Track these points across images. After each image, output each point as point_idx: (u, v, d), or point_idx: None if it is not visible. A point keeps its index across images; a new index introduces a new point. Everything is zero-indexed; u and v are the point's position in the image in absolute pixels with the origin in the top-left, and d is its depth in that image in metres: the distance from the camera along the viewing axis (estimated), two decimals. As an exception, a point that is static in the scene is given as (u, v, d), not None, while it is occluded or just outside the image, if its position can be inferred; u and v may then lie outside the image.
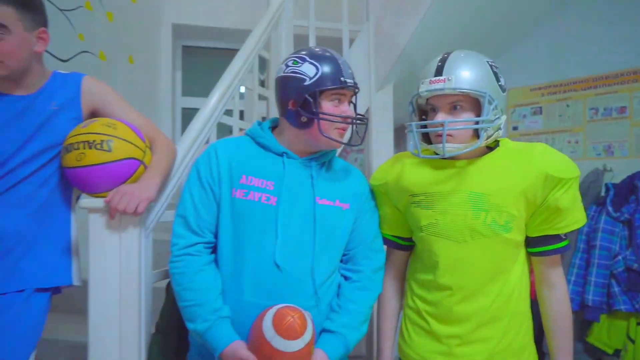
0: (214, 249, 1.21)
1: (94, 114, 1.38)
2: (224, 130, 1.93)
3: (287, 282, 1.14)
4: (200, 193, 1.19)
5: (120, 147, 1.26)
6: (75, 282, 1.37)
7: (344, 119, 1.19)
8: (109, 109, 1.38)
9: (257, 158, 1.22)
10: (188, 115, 3.99)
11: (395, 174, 1.28)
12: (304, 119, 1.17)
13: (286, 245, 1.15)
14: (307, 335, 1.03)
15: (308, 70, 1.16)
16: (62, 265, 1.34)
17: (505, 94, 1.19)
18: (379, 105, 2.40)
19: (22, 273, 1.28)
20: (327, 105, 1.17)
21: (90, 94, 1.37)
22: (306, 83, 1.16)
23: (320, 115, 1.16)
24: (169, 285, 1.44)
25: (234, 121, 2.00)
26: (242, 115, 2.24)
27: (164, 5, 3.62)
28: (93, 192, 1.29)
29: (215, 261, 1.20)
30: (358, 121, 1.23)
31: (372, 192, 1.34)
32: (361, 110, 2.36)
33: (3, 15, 1.19)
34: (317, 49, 1.22)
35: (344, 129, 1.21)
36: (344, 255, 1.27)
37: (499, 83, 1.15)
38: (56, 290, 1.36)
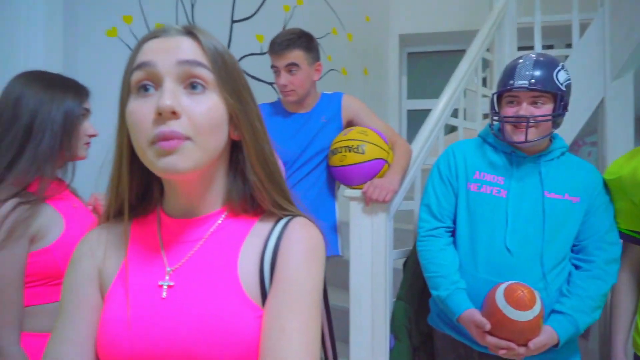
0: (453, 233, 1.43)
1: (350, 123, 1.75)
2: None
3: (516, 264, 1.27)
4: (441, 186, 1.43)
5: (371, 150, 1.60)
6: (340, 253, 1.77)
7: (516, 118, 1.28)
8: (360, 119, 1.73)
9: (489, 156, 1.40)
10: (412, 116, 4.27)
11: (630, 168, 1.28)
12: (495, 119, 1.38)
13: (516, 233, 1.29)
14: (536, 309, 1.14)
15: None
16: (331, 240, 1.74)
17: None
18: (615, 95, 2.24)
19: None
20: (503, 108, 1.33)
21: (348, 108, 1.74)
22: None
23: (493, 116, 1.37)
24: (406, 263, 1.72)
25: (459, 121, 2.15)
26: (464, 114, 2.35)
27: (391, 19, 4.01)
28: (351, 185, 1.66)
29: (454, 243, 1.41)
30: (526, 121, 1.26)
31: (606, 186, 1.36)
32: (595, 101, 2.26)
33: (296, 56, 1.62)
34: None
35: (520, 128, 1.28)
36: (574, 245, 1.33)
37: None
38: None
